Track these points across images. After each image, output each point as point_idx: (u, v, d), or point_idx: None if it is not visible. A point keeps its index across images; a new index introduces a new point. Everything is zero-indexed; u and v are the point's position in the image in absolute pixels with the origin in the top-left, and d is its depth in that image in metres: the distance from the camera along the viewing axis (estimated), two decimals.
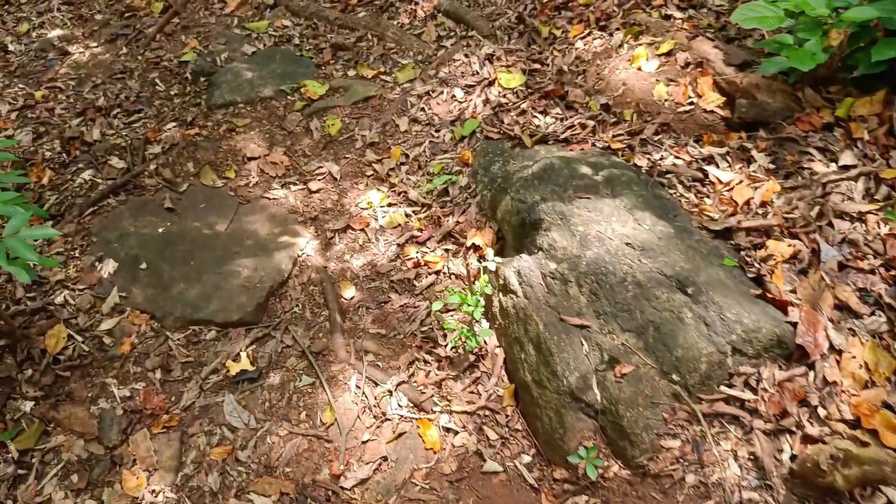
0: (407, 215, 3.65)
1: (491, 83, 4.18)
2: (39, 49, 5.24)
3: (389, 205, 3.73)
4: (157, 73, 4.94)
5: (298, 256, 3.50)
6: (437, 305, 2.73)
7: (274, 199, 3.86)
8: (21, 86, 4.90)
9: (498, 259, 2.70)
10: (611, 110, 3.68)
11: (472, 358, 2.81)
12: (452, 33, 4.75)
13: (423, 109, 4.22)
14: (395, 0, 5.10)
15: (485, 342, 2.80)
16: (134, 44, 5.25)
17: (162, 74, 4.92)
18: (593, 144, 3.44)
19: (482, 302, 2.62)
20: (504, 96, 4.07)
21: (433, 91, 4.30)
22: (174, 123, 4.40)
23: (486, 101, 4.08)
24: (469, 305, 2.60)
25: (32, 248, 1.97)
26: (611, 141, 3.40)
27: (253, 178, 3.97)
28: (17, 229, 2.00)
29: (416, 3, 5.03)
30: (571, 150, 3.39)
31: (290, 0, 5.25)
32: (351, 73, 4.63)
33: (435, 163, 3.86)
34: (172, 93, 4.76)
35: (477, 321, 2.69)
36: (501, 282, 2.70)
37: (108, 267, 3.42)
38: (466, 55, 4.48)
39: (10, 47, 5.30)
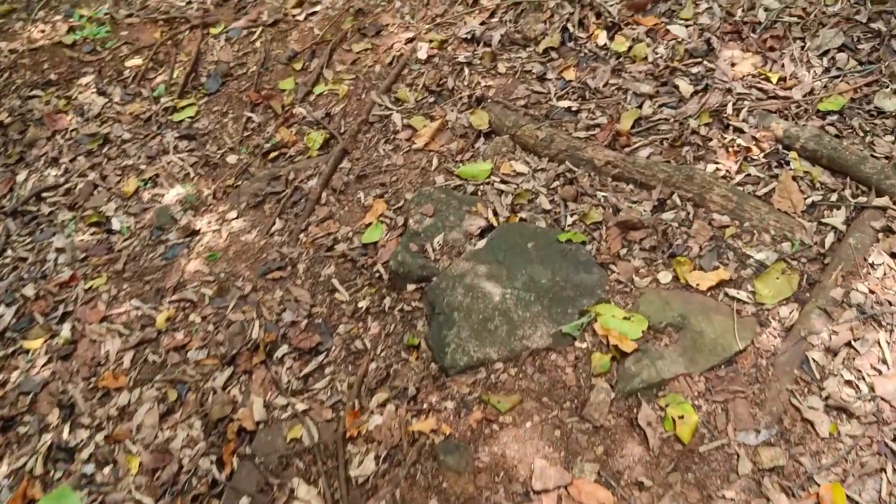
0: None
1: None
2: (156, 227, 3.49)
3: None
4: (331, 268, 3.10)
5: None
6: None
7: None
8: (136, 303, 3.13)
9: None
10: None
11: None
12: (833, 196, 2.67)
13: (848, 383, 2.16)
14: (698, 126, 3.02)
15: None
16: (289, 209, 3.41)
17: (340, 269, 3.08)
18: None
19: None
20: None
21: (855, 338, 2.25)
22: (385, 393, 2.53)
23: None
24: None
25: None
26: None
27: None
28: None
29: (741, 132, 2.94)
30: None
31: (518, 127, 3.26)
32: (664, 275, 2.62)
33: None
34: (361, 305, 2.93)
35: None
36: None
37: None
38: (894, 254, 2.37)
39: (115, 223, 3.59)
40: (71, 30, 5.27)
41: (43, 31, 5.40)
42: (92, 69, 4.83)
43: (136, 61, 4.75)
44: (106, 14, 5.40)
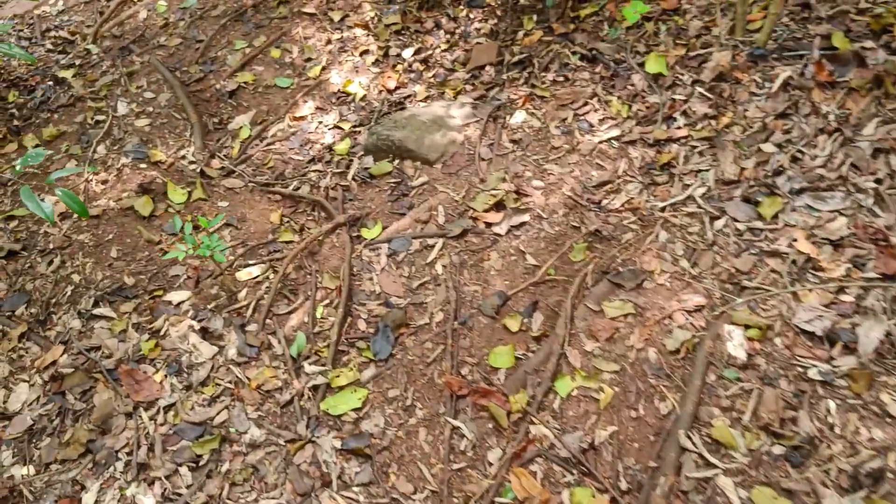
0: None
1: None
2: None
3: None
4: None
5: None
6: None
7: None
8: None
9: None
10: None
11: None
12: None
13: None
14: None
15: None
16: None
17: None
18: None
19: None
20: None
21: None
22: None
23: None
24: None
25: None
26: None
27: None
28: None
29: None
30: None
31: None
32: None
33: None
34: None
35: None
36: None
37: None
38: None
39: None
40: (145, 191, 3.72)
41: (105, 183, 3.86)
42: (185, 274, 3.25)
43: (253, 271, 3.19)
44: (192, 165, 3.85)
